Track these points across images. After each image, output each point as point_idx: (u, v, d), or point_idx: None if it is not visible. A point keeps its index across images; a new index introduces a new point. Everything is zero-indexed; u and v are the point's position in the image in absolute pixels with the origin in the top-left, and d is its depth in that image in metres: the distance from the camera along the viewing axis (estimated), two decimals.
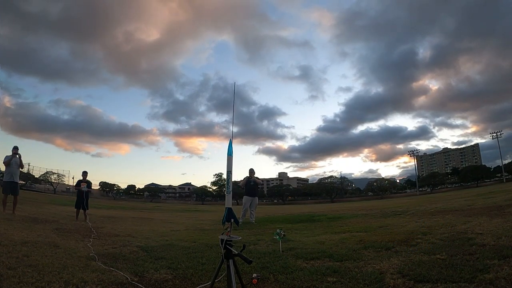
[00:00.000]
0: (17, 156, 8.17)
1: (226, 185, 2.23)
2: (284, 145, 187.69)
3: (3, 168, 8.75)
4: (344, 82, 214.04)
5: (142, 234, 6.63)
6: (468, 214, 7.44)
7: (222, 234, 2.13)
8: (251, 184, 9.70)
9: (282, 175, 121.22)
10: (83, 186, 9.33)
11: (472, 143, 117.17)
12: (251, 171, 9.88)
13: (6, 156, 8.12)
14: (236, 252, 2.14)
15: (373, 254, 3.85)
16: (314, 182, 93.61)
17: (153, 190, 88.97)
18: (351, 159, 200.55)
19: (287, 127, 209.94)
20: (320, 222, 9.06)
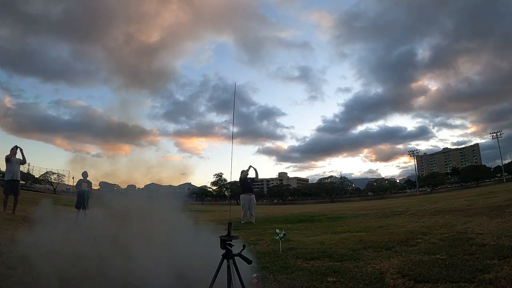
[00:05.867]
0: (17, 151, 8.17)
1: None
2: (284, 145, 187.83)
3: (3, 168, 8.76)
4: (343, 83, 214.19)
5: None
6: (468, 214, 7.44)
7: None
8: (248, 181, 9.81)
9: (282, 175, 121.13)
10: (84, 186, 9.33)
11: (472, 143, 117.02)
12: (245, 172, 9.95)
13: (7, 154, 8.13)
14: (236, 252, 2.14)
15: (373, 254, 3.85)
16: (314, 182, 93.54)
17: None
18: (351, 159, 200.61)
19: (286, 127, 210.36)
20: (320, 222, 9.07)
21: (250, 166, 9.89)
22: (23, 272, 2.85)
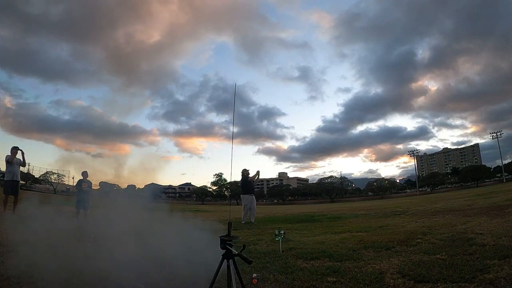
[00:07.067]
0: (18, 152, 8.18)
1: None
2: (284, 145, 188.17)
3: (3, 168, 8.77)
4: (343, 83, 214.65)
5: None
6: (468, 214, 7.44)
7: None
8: (249, 181, 9.83)
9: (282, 175, 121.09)
10: (84, 186, 9.33)
11: (472, 143, 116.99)
12: (246, 172, 9.96)
13: (7, 155, 8.14)
14: (236, 252, 2.14)
15: (373, 254, 3.85)
16: (314, 182, 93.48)
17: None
18: (350, 159, 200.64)
19: (286, 128, 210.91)
20: (320, 222, 9.06)
21: (258, 172, 9.96)
22: (23, 272, 2.85)
